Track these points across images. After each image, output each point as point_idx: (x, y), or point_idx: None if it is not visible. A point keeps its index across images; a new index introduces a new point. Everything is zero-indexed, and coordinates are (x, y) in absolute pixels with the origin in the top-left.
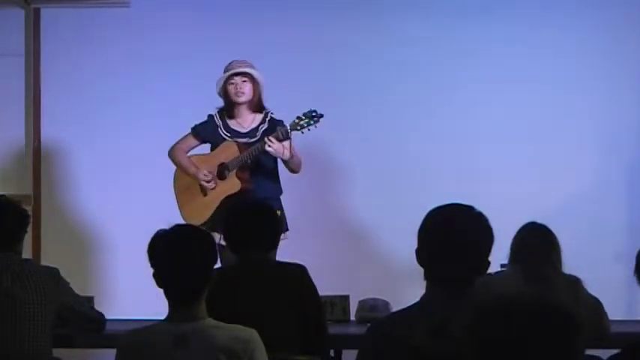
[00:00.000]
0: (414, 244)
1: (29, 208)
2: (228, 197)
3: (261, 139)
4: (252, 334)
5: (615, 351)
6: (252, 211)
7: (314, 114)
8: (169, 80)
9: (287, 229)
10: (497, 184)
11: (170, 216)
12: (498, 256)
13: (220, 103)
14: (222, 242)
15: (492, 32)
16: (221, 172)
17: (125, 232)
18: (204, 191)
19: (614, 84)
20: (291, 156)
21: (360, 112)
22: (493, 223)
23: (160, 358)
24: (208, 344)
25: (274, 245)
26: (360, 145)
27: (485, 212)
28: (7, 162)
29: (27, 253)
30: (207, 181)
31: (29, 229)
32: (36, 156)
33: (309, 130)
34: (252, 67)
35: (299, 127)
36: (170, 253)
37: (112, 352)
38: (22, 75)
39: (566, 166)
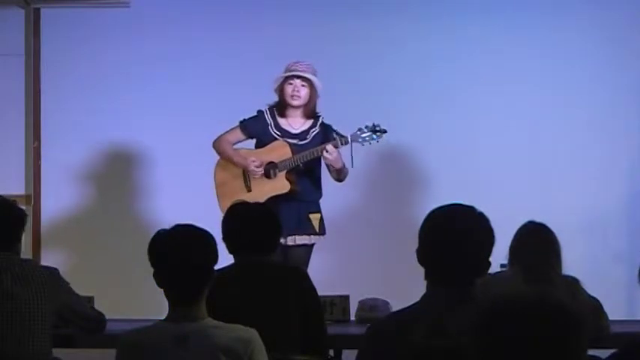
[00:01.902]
0: (414, 244)
1: (29, 208)
2: (274, 197)
3: (312, 142)
4: (252, 334)
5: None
6: (252, 214)
7: (377, 128)
8: (169, 80)
9: (324, 233)
10: (497, 184)
11: (170, 216)
12: (498, 256)
13: (219, 102)
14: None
15: (492, 33)
16: (267, 171)
17: (125, 231)
18: (248, 187)
19: (615, 84)
20: (343, 166)
21: (360, 112)
22: (493, 224)
23: (160, 357)
24: (208, 344)
25: (274, 247)
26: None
27: (485, 212)
28: (7, 162)
29: (27, 253)
30: (257, 166)
31: (29, 229)
32: (36, 156)
33: (370, 144)
34: (314, 72)
35: (360, 140)
36: (170, 253)
37: (112, 352)
38: (22, 75)
39: (566, 166)
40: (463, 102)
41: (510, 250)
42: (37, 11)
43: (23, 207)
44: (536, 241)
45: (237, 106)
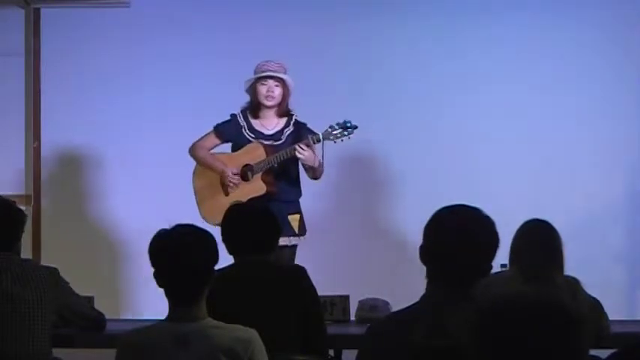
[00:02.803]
0: (415, 244)
1: (29, 208)
2: (252, 199)
3: (287, 142)
4: (252, 334)
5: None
6: (251, 214)
7: (348, 124)
8: (169, 80)
9: (305, 233)
10: (496, 184)
11: (170, 216)
12: (498, 256)
13: (219, 103)
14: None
15: (491, 33)
16: (244, 174)
17: (125, 231)
18: (226, 191)
19: (615, 84)
20: (319, 164)
21: (360, 113)
22: None
23: (160, 358)
24: (208, 344)
25: (273, 247)
26: (360, 145)
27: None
28: (7, 162)
29: (27, 253)
30: (234, 174)
31: (29, 229)
32: (36, 156)
33: (342, 140)
34: (286, 71)
35: (331, 137)
36: (170, 253)
37: (112, 352)
38: (22, 75)
39: (565, 166)
40: (462, 101)
41: (511, 249)
42: (37, 11)
43: (23, 207)
44: (537, 241)
45: (238, 106)
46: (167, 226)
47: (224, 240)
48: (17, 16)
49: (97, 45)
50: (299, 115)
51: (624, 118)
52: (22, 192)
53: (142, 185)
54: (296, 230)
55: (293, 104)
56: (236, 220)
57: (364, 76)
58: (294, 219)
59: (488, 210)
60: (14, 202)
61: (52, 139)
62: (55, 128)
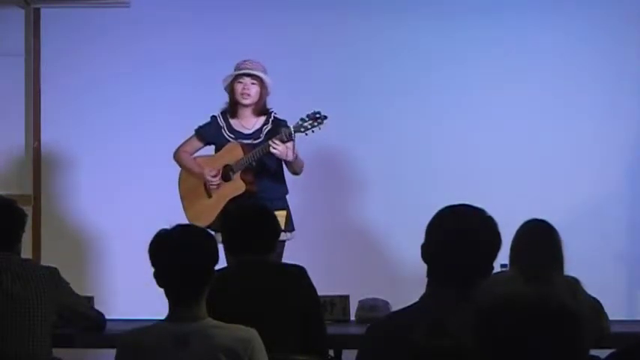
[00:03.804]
0: (415, 244)
1: (29, 208)
2: (233, 199)
3: (266, 140)
4: (252, 334)
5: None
6: (250, 213)
7: (317, 115)
8: (169, 80)
9: (293, 229)
10: (496, 183)
11: (170, 216)
12: (499, 256)
13: (219, 103)
14: None
15: (491, 33)
16: (226, 174)
17: (125, 231)
18: (208, 193)
19: (615, 84)
20: (295, 158)
21: (360, 113)
22: None
23: (160, 357)
24: (208, 344)
25: (273, 247)
26: (359, 145)
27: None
28: (7, 162)
29: (27, 253)
30: (213, 176)
31: (29, 229)
32: (36, 156)
33: (313, 132)
34: (264, 70)
35: (302, 129)
36: (171, 253)
37: (112, 352)
38: (22, 75)
39: (566, 166)
40: (462, 101)
41: (511, 249)
42: (37, 11)
43: (23, 207)
44: (537, 241)
45: None
46: (167, 226)
47: (223, 240)
48: (17, 16)
49: (97, 45)
50: (288, 115)
51: (625, 118)
52: (22, 192)
53: (142, 185)
54: (282, 226)
55: (288, 106)
56: (235, 221)
57: (362, 76)
58: (280, 215)
59: (488, 210)
60: (14, 202)
61: (52, 139)
62: (55, 128)
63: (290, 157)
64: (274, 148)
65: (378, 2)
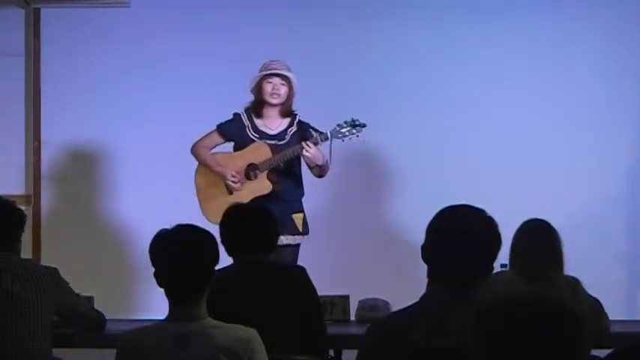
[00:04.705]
0: (415, 244)
1: (29, 208)
2: (257, 198)
3: (291, 141)
4: (252, 334)
5: None
6: (250, 214)
7: (356, 123)
8: (169, 80)
9: (308, 232)
10: (496, 183)
11: (170, 216)
12: (498, 256)
13: (219, 102)
14: None
15: (491, 33)
16: (247, 173)
17: (125, 231)
18: (229, 190)
19: (615, 84)
20: (325, 163)
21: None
22: None
23: (160, 358)
24: (209, 344)
25: (273, 247)
26: (360, 145)
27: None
28: (7, 162)
29: (27, 253)
30: (235, 182)
31: (29, 229)
32: (36, 156)
33: (350, 139)
34: (290, 70)
35: (340, 135)
36: (171, 253)
37: (112, 352)
38: (22, 75)
39: (566, 166)
40: (461, 102)
41: (511, 249)
42: (37, 11)
43: (23, 207)
44: (537, 240)
45: (238, 106)
46: (167, 225)
47: (223, 241)
48: (17, 16)
49: (97, 45)
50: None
51: (625, 118)
52: (22, 192)
53: (142, 185)
54: (300, 229)
55: (294, 104)
56: (234, 221)
57: (364, 77)
58: (298, 217)
59: (488, 210)
60: (14, 202)
61: (52, 139)
62: (55, 128)
63: (321, 162)
64: (307, 151)
65: (378, 2)
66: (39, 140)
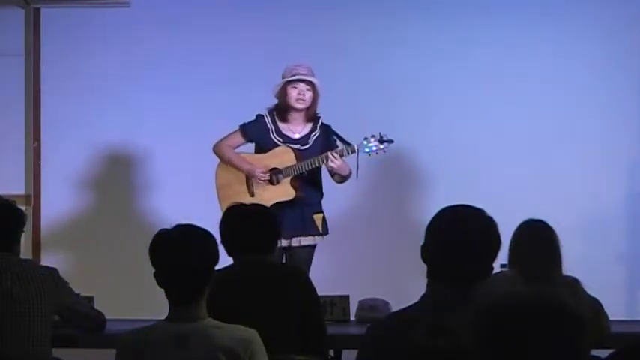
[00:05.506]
0: (414, 245)
1: (29, 208)
2: (279, 203)
3: (314, 146)
4: (252, 334)
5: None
6: (250, 214)
7: (385, 139)
8: (169, 80)
9: (327, 232)
10: (496, 183)
11: (170, 215)
12: (498, 257)
13: (219, 103)
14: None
15: (493, 32)
16: (270, 177)
17: (125, 232)
18: (250, 191)
19: (615, 84)
20: (350, 172)
21: (361, 113)
22: None
23: (160, 357)
24: (208, 344)
25: (273, 247)
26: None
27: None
28: (7, 162)
29: (27, 253)
30: (264, 180)
31: (29, 229)
32: (36, 156)
33: (377, 154)
34: (314, 75)
35: (367, 150)
36: (171, 253)
37: (112, 352)
38: (22, 75)
39: (566, 166)
40: (463, 102)
41: (510, 249)
42: (37, 11)
43: (23, 207)
44: (536, 240)
45: (237, 107)
46: (168, 226)
47: (222, 242)
48: (17, 16)
49: (97, 45)
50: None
51: (625, 118)
52: (22, 192)
53: (142, 185)
54: (320, 229)
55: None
56: (235, 222)
57: (361, 76)
58: (318, 218)
59: (488, 210)
60: (14, 202)
61: (52, 139)
62: (55, 128)
63: (345, 173)
64: (333, 162)
65: (378, 3)
66: (39, 140)
